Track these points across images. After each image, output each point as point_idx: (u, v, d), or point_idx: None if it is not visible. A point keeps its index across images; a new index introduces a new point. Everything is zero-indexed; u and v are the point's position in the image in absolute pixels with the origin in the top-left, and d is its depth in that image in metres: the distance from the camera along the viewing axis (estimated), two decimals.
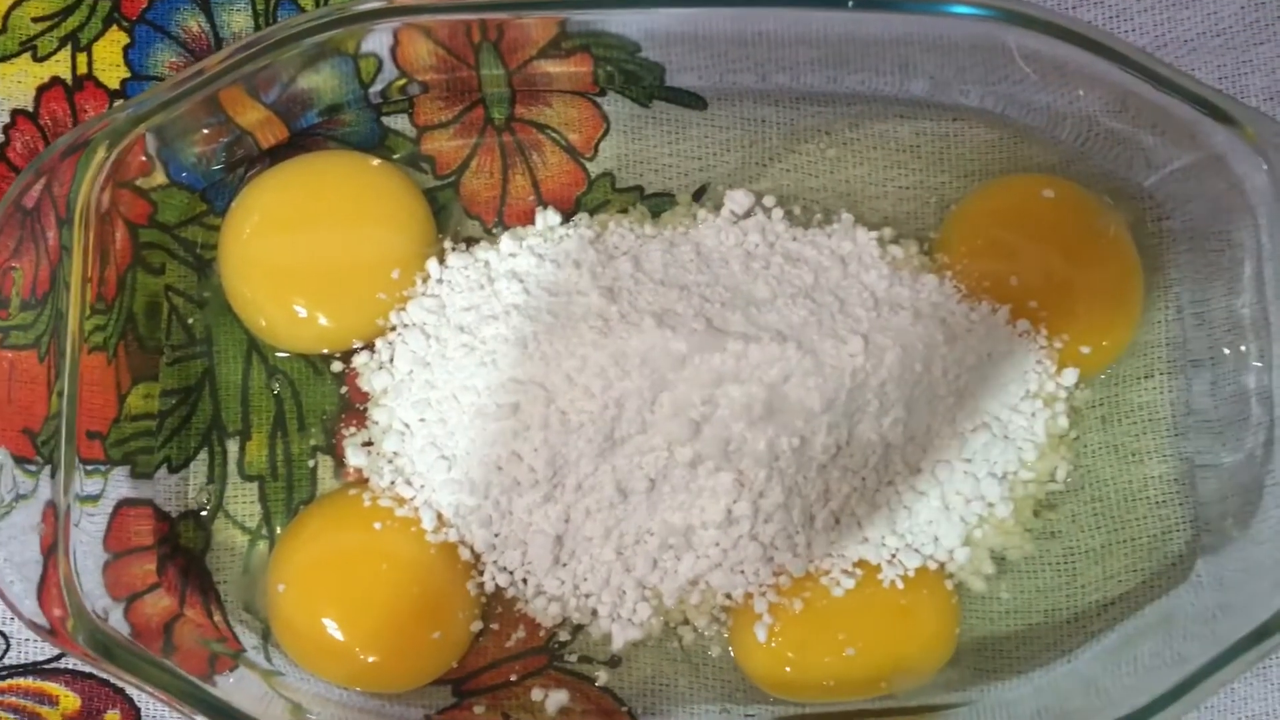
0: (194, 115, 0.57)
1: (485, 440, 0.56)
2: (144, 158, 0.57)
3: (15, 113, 0.62)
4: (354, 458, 0.59)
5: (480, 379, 0.56)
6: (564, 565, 0.57)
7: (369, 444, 0.59)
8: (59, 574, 0.52)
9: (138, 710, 0.59)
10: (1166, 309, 0.61)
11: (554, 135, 0.62)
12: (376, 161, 0.61)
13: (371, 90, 0.61)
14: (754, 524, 0.55)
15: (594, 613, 0.57)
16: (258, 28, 0.63)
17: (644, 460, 0.54)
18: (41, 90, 0.62)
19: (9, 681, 0.59)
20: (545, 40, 0.59)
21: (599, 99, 0.63)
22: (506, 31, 0.58)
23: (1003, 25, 0.55)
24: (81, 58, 0.62)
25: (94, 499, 0.56)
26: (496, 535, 0.57)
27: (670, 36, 0.59)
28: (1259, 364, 0.58)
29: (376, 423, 0.59)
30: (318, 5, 0.63)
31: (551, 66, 0.61)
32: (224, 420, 0.60)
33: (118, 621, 0.54)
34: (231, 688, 0.55)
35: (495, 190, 0.62)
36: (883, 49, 0.59)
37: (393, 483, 0.58)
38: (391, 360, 0.58)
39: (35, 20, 0.62)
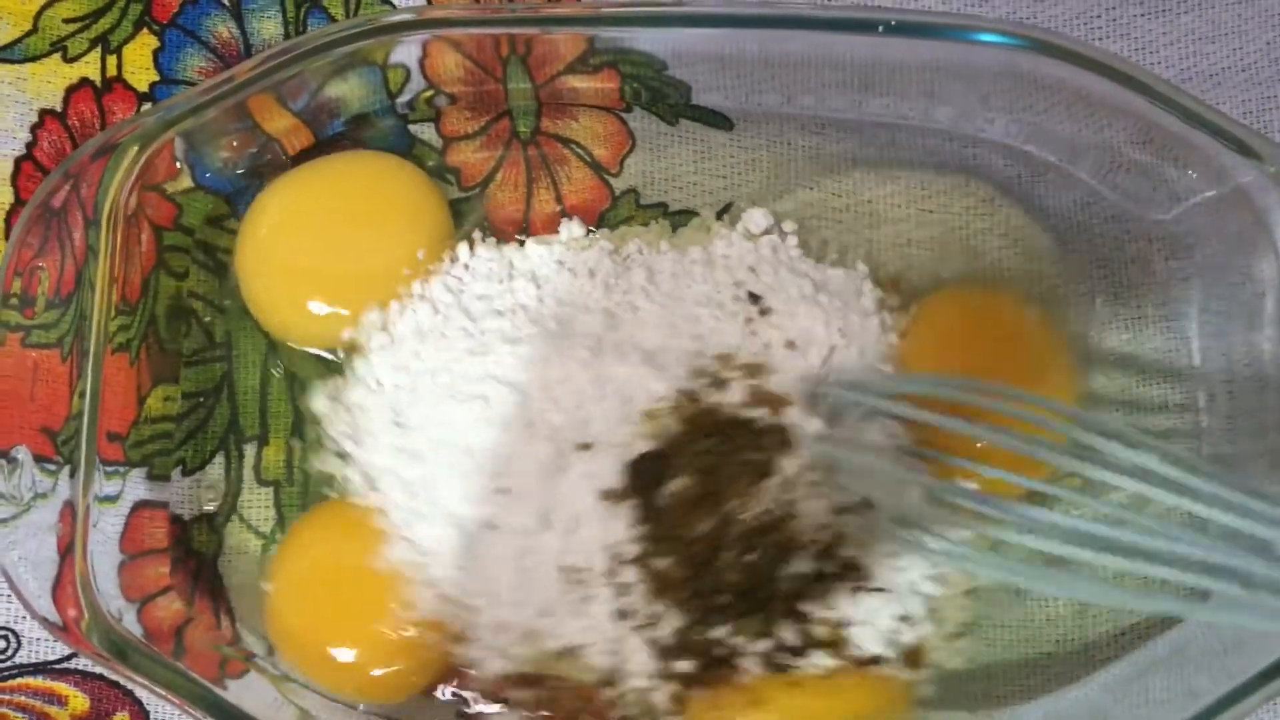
0: (222, 121, 0.57)
1: (439, 417, 0.56)
2: (172, 162, 0.58)
3: (44, 113, 0.62)
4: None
5: (462, 365, 0.56)
6: (459, 569, 0.56)
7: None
8: (75, 574, 0.52)
9: (147, 713, 0.59)
10: (1178, 346, 0.61)
11: (579, 150, 0.63)
12: (391, 157, 0.61)
13: (399, 100, 0.61)
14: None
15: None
16: (287, 35, 0.63)
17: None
18: (70, 91, 0.62)
19: (19, 680, 0.59)
20: (573, 56, 0.60)
21: (625, 115, 0.63)
22: (534, 46, 0.59)
23: (1030, 54, 0.55)
24: (111, 60, 0.63)
25: (112, 500, 0.56)
26: (413, 501, 0.56)
27: (697, 56, 0.59)
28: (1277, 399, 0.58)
29: (354, 370, 0.59)
30: (347, 14, 0.63)
31: (579, 82, 0.61)
32: (241, 425, 0.60)
33: (131, 623, 0.54)
34: (242, 692, 0.55)
35: (520, 204, 0.62)
36: (908, 75, 0.59)
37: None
38: (395, 324, 0.58)
39: (66, 21, 0.63)
